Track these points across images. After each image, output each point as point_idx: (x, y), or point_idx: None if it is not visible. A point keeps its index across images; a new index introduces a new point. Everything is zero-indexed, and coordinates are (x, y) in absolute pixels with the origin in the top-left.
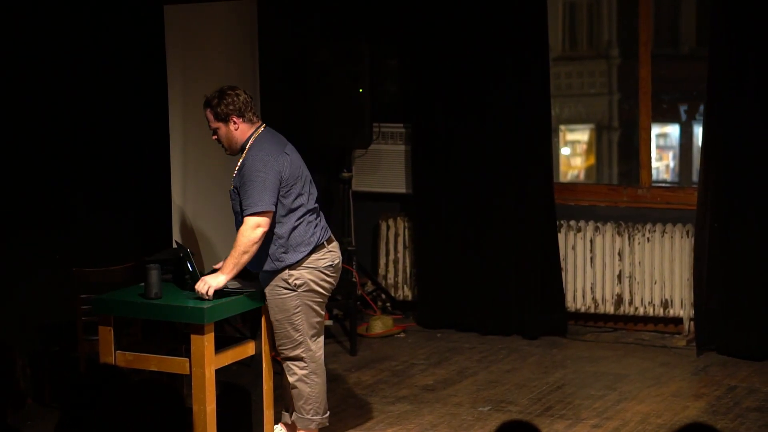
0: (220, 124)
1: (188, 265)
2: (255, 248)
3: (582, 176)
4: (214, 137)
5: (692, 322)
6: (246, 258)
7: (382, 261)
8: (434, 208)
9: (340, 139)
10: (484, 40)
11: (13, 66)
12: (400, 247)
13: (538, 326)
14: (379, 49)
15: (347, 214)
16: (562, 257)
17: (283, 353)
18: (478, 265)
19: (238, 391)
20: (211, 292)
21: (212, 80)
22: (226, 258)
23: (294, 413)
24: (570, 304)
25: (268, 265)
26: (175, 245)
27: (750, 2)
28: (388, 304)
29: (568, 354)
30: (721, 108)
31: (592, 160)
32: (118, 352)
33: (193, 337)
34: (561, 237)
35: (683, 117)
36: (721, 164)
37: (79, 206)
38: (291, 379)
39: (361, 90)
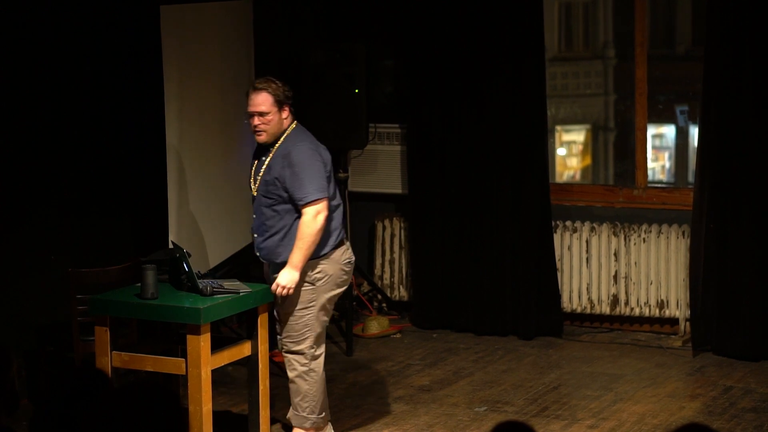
0: (274, 110)
1: (184, 265)
2: (320, 236)
3: (578, 177)
4: (256, 121)
5: (688, 323)
6: (312, 248)
7: (378, 261)
8: (430, 208)
9: (336, 140)
10: (480, 41)
11: (10, 66)
12: (396, 248)
13: (534, 327)
14: (375, 50)
15: (343, 215)
16: (557, 258)
17: (286, 346)
18: (473, 265)
19: (234, 392)
20: (291, 291)
21: (208, 80)
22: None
23: (290, 410)
24: (566, 305)
25: (271, 257)
26: (171, 245)
27: (745, 2)
28: (384, 305)
29: (564, 354)
30: (717, 108)
31: (588, 161)
32: (114, 352)
33: (189, 338)
34: (557, 237)
35: (679, 117)
36: (716, 165)
37: (74, 206)
38: (291, 374)
39: (357, 91)
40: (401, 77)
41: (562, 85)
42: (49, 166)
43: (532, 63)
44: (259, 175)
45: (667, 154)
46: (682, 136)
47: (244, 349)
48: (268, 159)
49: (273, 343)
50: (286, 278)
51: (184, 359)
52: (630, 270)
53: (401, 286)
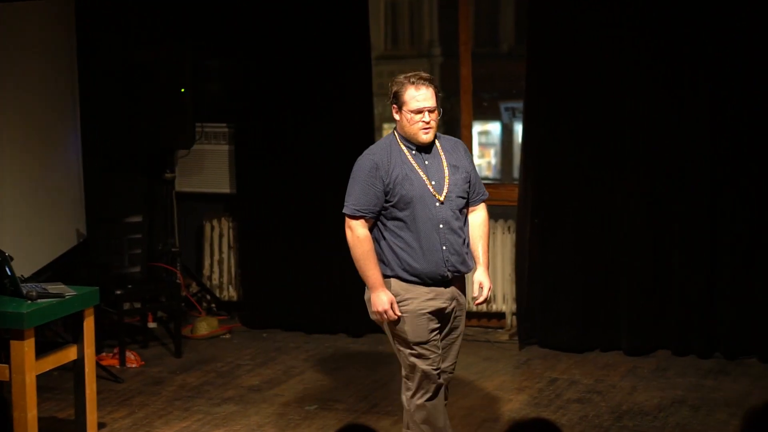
0: (438, 106)
1: (6, 269)
2: None
3: None
4: (432, 116)
5: (514, 317)
6: None
7: (207, 262)
8: (258, 208)
9: (162, 140)
10: (306, 39)
11: None
12: (225, 248)
13: (363, 324)
14: (201, 49)
15: (171, 215)
16: None
17: (453, 372)
18: (303, 264)
19: (60, 397)
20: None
21: (27, 81)
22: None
23: None
24: None
25: (471, 263)
26: None
27: (566, 1)
28: (213, 305)
29: (394, 351)
30: (540, 105)
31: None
32: None
33: (13, 343)
34: None
35: (504, 114)
36: (540, 161)
37: None
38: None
39: (183, 90)
40: (227, 76)
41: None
42: None
43: (359, 61)
44: (444, 178)
45: (492, 151)
46: (507, 133)
47: (70, 354)
48: (442, 159)
49: (99, 347)
50: (488, 280)
51: (7, 365)
52: None
53: (230, 286)
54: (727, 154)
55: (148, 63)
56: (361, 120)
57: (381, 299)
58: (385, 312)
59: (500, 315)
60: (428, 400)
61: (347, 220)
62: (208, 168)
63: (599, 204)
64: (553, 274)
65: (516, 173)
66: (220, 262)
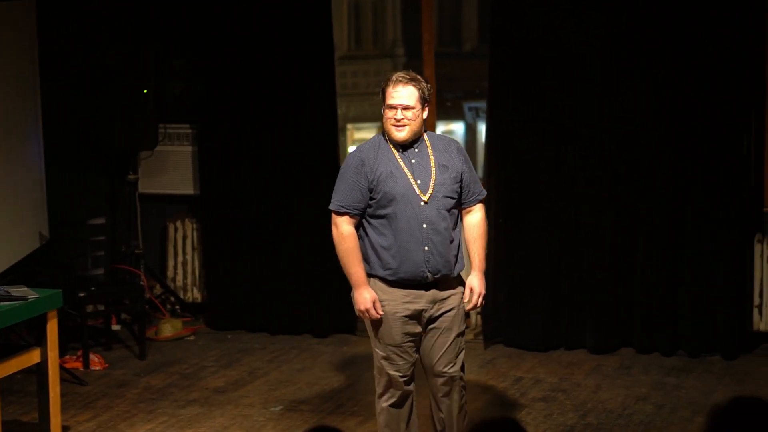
0: (419, 106)
1: None
2: None
3: None
4: (405, 113)
5: (479, 316)
6: None
7: (171, 263)
8: (222, 209)
9: (125, 141)
10: (269, 40)
11: None
12: (189, 249)
13: (328, 324)
14: (164, 50)
15: (134, 217)
16: None
17: (459, 372)
18: (267, 265)
19: (24, 400)
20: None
21: None
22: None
23: None
24: None
25: (461, 265)
26: None
27: (528, 1)
28: (177, 307)
29: (359, 351)
30: (503, 105)
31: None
32: None
33: None
34: None
35: (467, 114)
36: (503, 161)
37: None
38: (462, 401)
39: (145, 91)
40: (190, 77)
41: (352, 84)
42: None
43: (322, 62)
44: (431, 178)
45: None
46: (471, 132)
47: (33, 357)
48: (430, 159)
49: (63, 350)
50: (482, 287)
51: None
52: None
53: (195, 288)
54: (691, 154)
55: (111, 64)
56: (324, 120)
57: (363, 297)
58: (367, 311)
59: (466, 313)
60: (392, 405)
61: (332, 216)
62: (171, 169)
63: (563, 203)
64: (518, 273)
65: (480, 173)
66: (184, 263)
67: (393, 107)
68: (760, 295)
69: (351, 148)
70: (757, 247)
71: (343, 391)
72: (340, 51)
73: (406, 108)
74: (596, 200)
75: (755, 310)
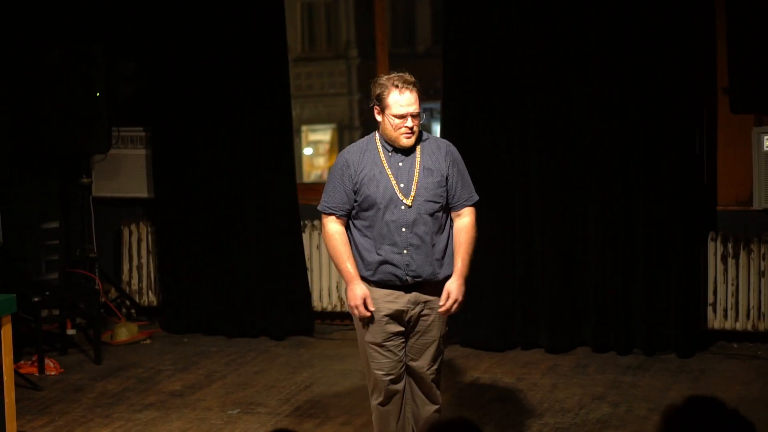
0: (420, 109)
1: None
2: None
3: (325, 176)
4: (415, 121)
5: None
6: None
7: (126, 267)
8: (177, 212)
9: (77, 145)
10: (222, 41)
11: None
12: (144, 253)
13: (285, 326)
14: (114, 51)
15: (88, 221)
16: (307, 257)
17: (436, 375)
18: (222, 267)
19: None
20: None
21: None
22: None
23: None
24: (316, 304)
25: (447, 270)
26: None
27: (481, 2)
28: (132, 311)
29: (316, 353)
30: (457, 106)
31: (335, 160)
32: None
33: None
34: (306, 237)
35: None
36: None
37: None
38: (439, 404)
39: (98, 94)
40: (143, 79)
41: (306, 85)
42: None
43: (276, 63)
44: (413, 182)
45: None
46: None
47: None
48: (416, 162)
49: (17, 355)
50: (459, 294)
51: None
52: None
53: (150, 291)
54: (643, 152)
55: (60, 65)
56: (278, 122)
57: (353, 293)
58: (356, 307)
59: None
60: (380, 404)
61: (321, 216)
62: (125, 172)
63: (516, 204)
64: (473, 273)
65: None
66: (138, 267)
67: (403, 116)
68: (714, 293)
69: (306, 150)
70: (711, 246)
71: (300, 394)
72: (294, 52)
73: (414, 115)
74: (549, 200)
75: (709, 308)
